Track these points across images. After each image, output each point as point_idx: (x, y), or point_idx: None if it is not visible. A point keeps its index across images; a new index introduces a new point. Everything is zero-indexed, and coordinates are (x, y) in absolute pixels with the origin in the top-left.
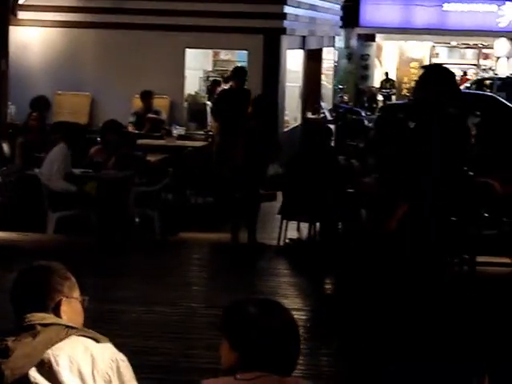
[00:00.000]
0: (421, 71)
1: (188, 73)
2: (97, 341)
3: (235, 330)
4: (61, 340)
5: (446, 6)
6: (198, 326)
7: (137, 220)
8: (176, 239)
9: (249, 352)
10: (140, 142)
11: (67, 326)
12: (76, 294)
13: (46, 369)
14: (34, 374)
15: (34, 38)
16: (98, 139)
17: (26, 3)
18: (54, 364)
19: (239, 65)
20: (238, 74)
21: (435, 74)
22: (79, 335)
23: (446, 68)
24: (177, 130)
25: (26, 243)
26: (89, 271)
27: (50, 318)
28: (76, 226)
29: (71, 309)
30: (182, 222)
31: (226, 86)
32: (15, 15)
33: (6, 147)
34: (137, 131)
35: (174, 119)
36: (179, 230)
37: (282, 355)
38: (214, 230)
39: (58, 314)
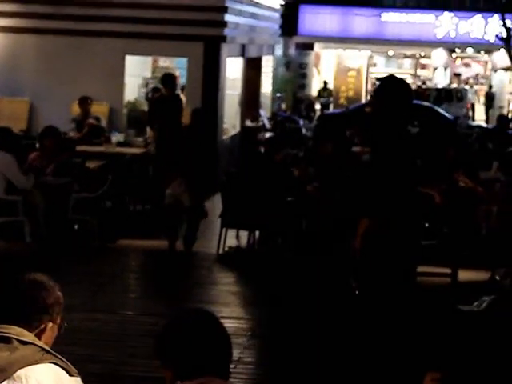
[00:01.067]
0: (375, 83)
1: (127, 79)
2: (69, 373)
3: (162, 351)
4: (36, 362)
5: (384, 16)
6: (136, 333)
7: (75, 226)
8: (114, 246)
9: (179, 368)
10: (79, 148)
11: (43, 349)
12: (59, 319)
13: None
14: None
15: None
16: (37, 145)
17: None
18: None
19: (177, 72)
20: (168, 80)
21: (393, 87)
22: (53, 363)
23: (402, 80)
24: (116, 137)
25: None
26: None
27: (28, 335)
28: (13, 233)
29: (51, 332)
30: (120, 229)
31: (156, 96)
32: None
33: None
34: (76, 137)
35: (113, 126)
36: (118, 236)
37: (211, 364)
38: (153, 238)
39: (38, 334)
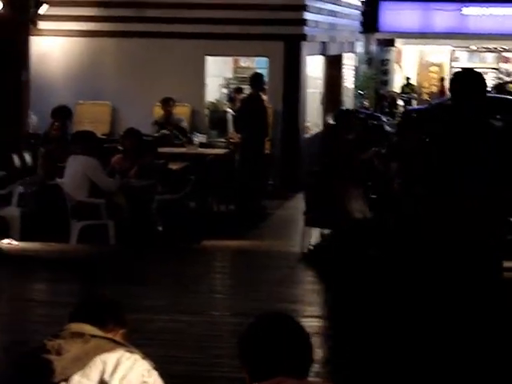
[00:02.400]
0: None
1: (208, 80)
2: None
3: (241, 352)
4: (112, 349)
5: (465, 10)
6: (221, 334)
7: (160, 228)
8: (199, 247)
9: (254, 367)
10: (161, 150)
11: (115, 341)
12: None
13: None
14: (78, 378)
15: (54, 48)
16: (119, 148)
17: (47, 13)
18: (101, 370)
19: (258, 71)
20: (254, 80)
21: (464, 80)
22: (127, 350)
23: (479, 74)
24: (198, 138)
25: (49, 253)
26: (112, 280)
27: (99, 331)
28: (98, 235)
29: (120, 337)
30: (204, 230)
31: (239, 96)
32: (35, 25)
33: (28, 157)
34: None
35: (195, 127)
36: (202, 237)
37: (286, 366)
38: (237, 238)
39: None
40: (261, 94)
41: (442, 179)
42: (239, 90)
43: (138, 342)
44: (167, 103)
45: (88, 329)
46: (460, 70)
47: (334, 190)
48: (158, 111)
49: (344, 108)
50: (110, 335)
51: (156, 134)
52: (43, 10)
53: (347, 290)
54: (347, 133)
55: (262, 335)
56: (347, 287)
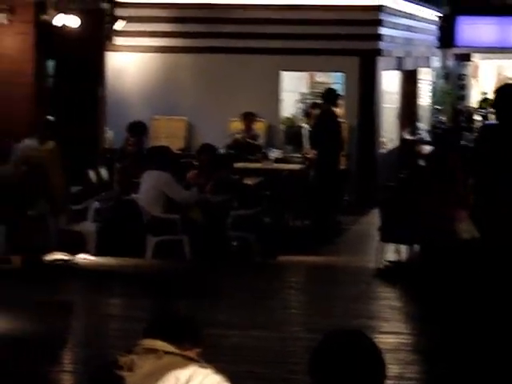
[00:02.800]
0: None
1: (284, 95)
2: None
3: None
4: (184, 366)
5: None
6: (295, 350)
7: (235, 243)
8: (274, 262)
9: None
10: (237, 165)
11: (188, 358)
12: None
13: None
14: None
15: (130, 64)
16: (195, 163)
17: (123, 29)
18: None
19: (333, 87)
20: (327, 95)
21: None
22: (200, 366)
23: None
24: (273, 153)
25: (125, 268)
26: (187, 295)
27: (172, 348)
28: (174, 250)
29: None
30: (280, 245)
31: (315, 112)
32: (111, 41)
33: (104, 172)
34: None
35: (270, 142)
36: (277, 252)
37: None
38: (312, 253)
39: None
40: (334, 109)
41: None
42: (315, 106)
43: (212, 357)
44: (248, 118)
45: (161, 345)
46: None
47: (421, 207)
48: (236, 126)
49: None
50: (184, 352)
51: (228, 142)
52: (119, 26)
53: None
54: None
55: (332, 351)
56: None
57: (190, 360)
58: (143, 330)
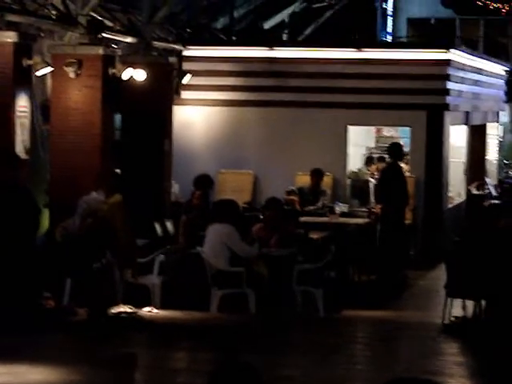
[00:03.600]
0: None
1: (351, 149)
2: None
3: None
4: None
5: None
6: None
7: (299, 298)
8: (339, 317)
9: None
10: (304, 219)
11: None
12: None
13: None
14: None
15: (197, 117)
16: (261, 216)
17: (190, 83)
18: None
19: (400, 141)
20: (392, 149)
21: None
22: None
23: None
24: (340, 207)
25: (189, 321)
26: (251, 349)
27: None
28: (239, 304)
29: None
30: (345, 300)
31: (381, 166)
32: (179, 94)
33: (169, 225)
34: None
35: (336, 196)
36: (342, 307)
37: None
38: (378, 308)
39: None
40: (400, 163)
41: None
42: (381, 160)
43: None
44: (317, 174)
45: None
46: None
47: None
48: (301, 180)
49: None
50: None
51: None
52: (186, 79)
53: (493, 362)
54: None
55: None
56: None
57: None
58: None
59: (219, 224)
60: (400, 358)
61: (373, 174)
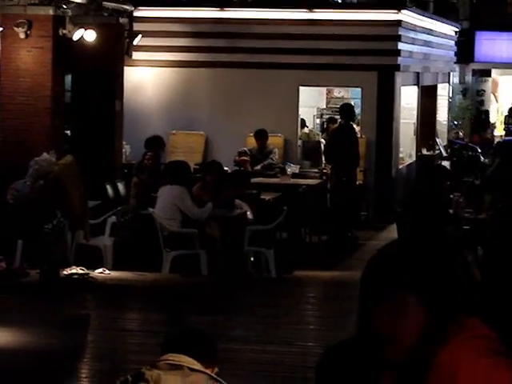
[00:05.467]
0: None
1: (302, 110)
2: None
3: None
4: None
5: None
6: (312, 365)
7: (251, 259)
8: (291, 277)
9: None
10: (254, 180)
11: (212, 377)
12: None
13: None
14: None
15: (148, 78)
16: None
17: (141, 44)
18: None
19: (351, 102)
20: (345, 110)
21: None
22: None
23: None
24: (291, 168)
25: (141, 282)
26: (203, 310)
27: (198, 365)
28: (191, 265)
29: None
30: (296, 261)
31: (333, 127)
32: (130, 56)
33: (121, 187)
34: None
35: (288, 157)
36: (294, 268)
37: None
38: (329, 268)
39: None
40: (351, 124)
41: None
42: (332, 121)
43: (228, 372)
44: (261, 136)
45: (187, 361)
46: None
47: None
48: (251, 142)
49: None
50: (208, 371)
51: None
52: (137, 40)
53: None
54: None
55: (337, 362)
56: None
57: (215, 381)
58: (162, 345)
59: (171, 185)
60: (350, 318)
61: (326, 136)
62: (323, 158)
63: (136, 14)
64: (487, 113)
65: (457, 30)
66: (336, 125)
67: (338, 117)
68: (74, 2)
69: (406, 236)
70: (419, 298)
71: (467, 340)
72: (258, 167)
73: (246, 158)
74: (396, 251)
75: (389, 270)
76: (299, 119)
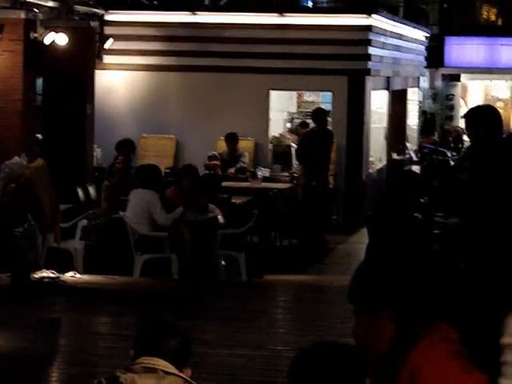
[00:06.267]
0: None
1: (273, 114)
2: None
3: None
4: None
5: None
6: (281, 369)
7: (222, 262)
8: (261, 281)
9: None
10: (225, 184)
11: (187, 381)
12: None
13: None
14: None
15: (119, 82)
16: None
17: (112, 47)
18: None
19: (322, 106)
20: (318, 115)
21: (479, 116)
22: None
23: (488, 108)
24: (261, 172)
25: (112, 286)
26: (174, 314)
27: (173, 368)
28: (161, 269)
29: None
30: (267, 264)
31: (304, 131)
32: (101, 59)
33: (92, 190)
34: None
35: (258, 161)
36: (264, 272)
37: None
38: (300, 273)
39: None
40: (328, 128)
41: None
42: (304, 124)
43: (198, 375)
44: (232, 139)
45: (162, 364)
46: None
47: None
48: (222, 145)
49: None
50: (182, 374)
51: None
52: (108, 44)
53: None
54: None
55: (310, 366)
56: None
57: (189, 383)
58: (134, 347)
59: (142, 189)
60: (321, 322)
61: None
62: (293, 162)
63: (107, 17)
64: (433, 115)
65: (427, 34)
66: (308, 129)
67: (310, 121)
68: (45, 6)
69: (375, 246)
70: (389, 312)
71: (435, 343)
72: (232, 170)
73: (216, 162)
74: (366, 268)
75: (359, 287)
76: (270, 123)
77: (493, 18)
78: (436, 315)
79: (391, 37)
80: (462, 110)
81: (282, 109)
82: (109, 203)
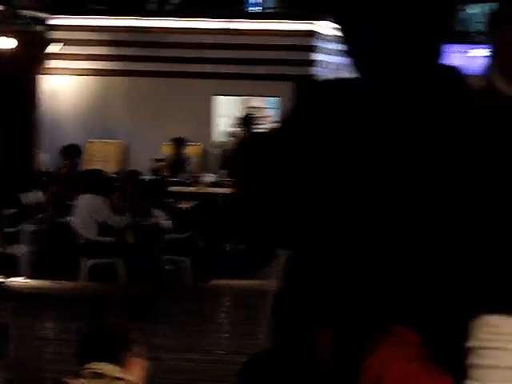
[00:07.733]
0: None
1: (220, 120)
2: None
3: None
4: None
5: (471, 52)
6: (229, 373)
7: (168, 267)
8: (208, 286)
9: None
10: (171, 188)
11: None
12: (142, 355)
13: None
14: None
15: (66, 86)
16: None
17: (58, 52)
18: None
19: (268, 112)
20: (245, 121)
21: None
22: None
23: None
24: (208, 178)
25: (58, 291)
26: (121, 318)
27: (119, 372)
28: (108, 274)
29: (138, 370)
30: (213, 269)
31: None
32: (46, 64)
33: (38, 195)
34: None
35: (205, 166)
36: (211, 276)
37: None
38: (246, 277)
39: (127, 371)
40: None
41: None
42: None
43: (148, 380)
44: (179, 143)
45: (109, 369)
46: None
47: None
48: (168, 150)
49: None
50: (130, 375)
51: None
52: (54, 48)
53: None
54: None
55: (260, 372)
56: None
57: None
58: (78, 353)
59: (88, 194)
60: (265, 327)
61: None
62: None
63: (53, 22)
64: None
65: None
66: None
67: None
68: None
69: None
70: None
71: (395, 345)
72: (176, 179)
73: (162, 163)
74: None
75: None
76: (216, 129)
77: None
78: (386, 321)
79: (336, 42)
80: None
81: (229, 114)
82: (55, 208)
